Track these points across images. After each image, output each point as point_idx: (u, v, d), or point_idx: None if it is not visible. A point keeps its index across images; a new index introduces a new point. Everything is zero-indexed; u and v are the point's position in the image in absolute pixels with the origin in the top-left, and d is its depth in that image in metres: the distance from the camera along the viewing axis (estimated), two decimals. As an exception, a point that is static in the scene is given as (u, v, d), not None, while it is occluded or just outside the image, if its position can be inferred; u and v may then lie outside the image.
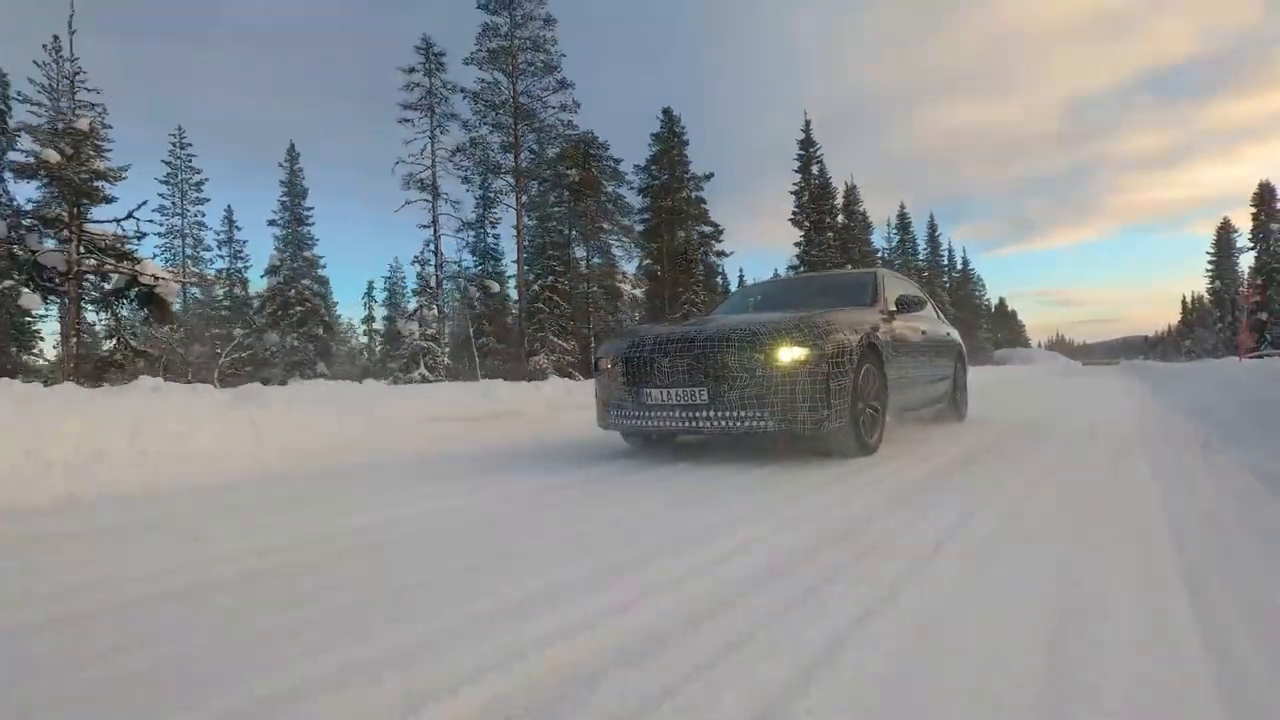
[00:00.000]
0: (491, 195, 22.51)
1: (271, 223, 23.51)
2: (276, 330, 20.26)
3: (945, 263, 51.39)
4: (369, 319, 37.96)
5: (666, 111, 24.40)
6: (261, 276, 21.32)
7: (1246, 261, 42.06)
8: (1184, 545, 1.87)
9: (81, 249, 10.84)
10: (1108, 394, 9.70)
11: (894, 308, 4.45)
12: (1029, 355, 55.42)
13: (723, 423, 3.43)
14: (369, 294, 37.84)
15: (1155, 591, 1.52)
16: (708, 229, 25.76)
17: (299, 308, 20.35)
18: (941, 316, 5.97)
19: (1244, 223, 41.70)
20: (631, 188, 23.93)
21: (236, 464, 3.78)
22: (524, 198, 20.98)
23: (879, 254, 38.36)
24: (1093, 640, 1.25)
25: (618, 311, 23.58)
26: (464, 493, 2.95)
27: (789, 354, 3.36)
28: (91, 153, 11.53)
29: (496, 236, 25.28)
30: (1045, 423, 5.49)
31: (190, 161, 26.49)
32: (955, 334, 5.98)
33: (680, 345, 3.60)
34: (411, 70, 19.62)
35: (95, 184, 11.38)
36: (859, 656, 1.19)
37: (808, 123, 29.31)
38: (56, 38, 18.14)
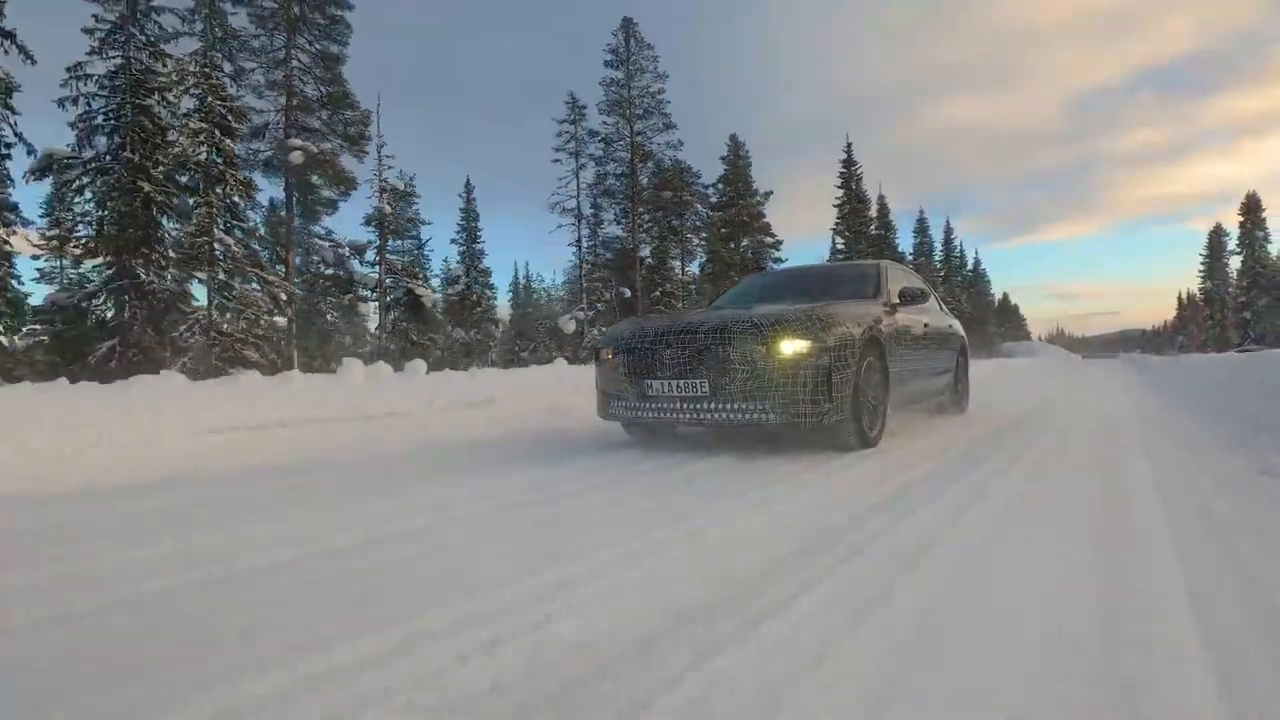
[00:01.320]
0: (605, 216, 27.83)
1: (453, 241, 28.65)
2: (462, 327, 24.88)
3: (959, 263, 54.38)
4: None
5: (733, 138, 28.95)
6: (444, 284, 26.74)
7: (1235, 265, 47.10)
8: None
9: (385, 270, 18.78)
10: (1109, 374, 15.23)
11: (897, 300, 4.42)
12: (1032, 349, 59.33)
13: (724, 415, 3.42)
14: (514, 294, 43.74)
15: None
16: (769, 240, 29.09)
17: (476, 309, 25.51)
18: (945, 309, 5.93)
19: (1236, 223, 46.25)
20: (708, 198, 28.41)
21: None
22: (633, 217, 26.16)
23: (905, 258, 41.48)
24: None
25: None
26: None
27: (791, 346, 3.34)
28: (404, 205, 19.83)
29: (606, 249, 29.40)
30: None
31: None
32: (958, 326, 5.95)
33: (682, 336, 3.57)
34: (562, 121, 25.75)
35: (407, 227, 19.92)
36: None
37: (849, 145, 34.18)
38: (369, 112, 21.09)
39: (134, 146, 14.55)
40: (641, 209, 26.39)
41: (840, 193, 34.11)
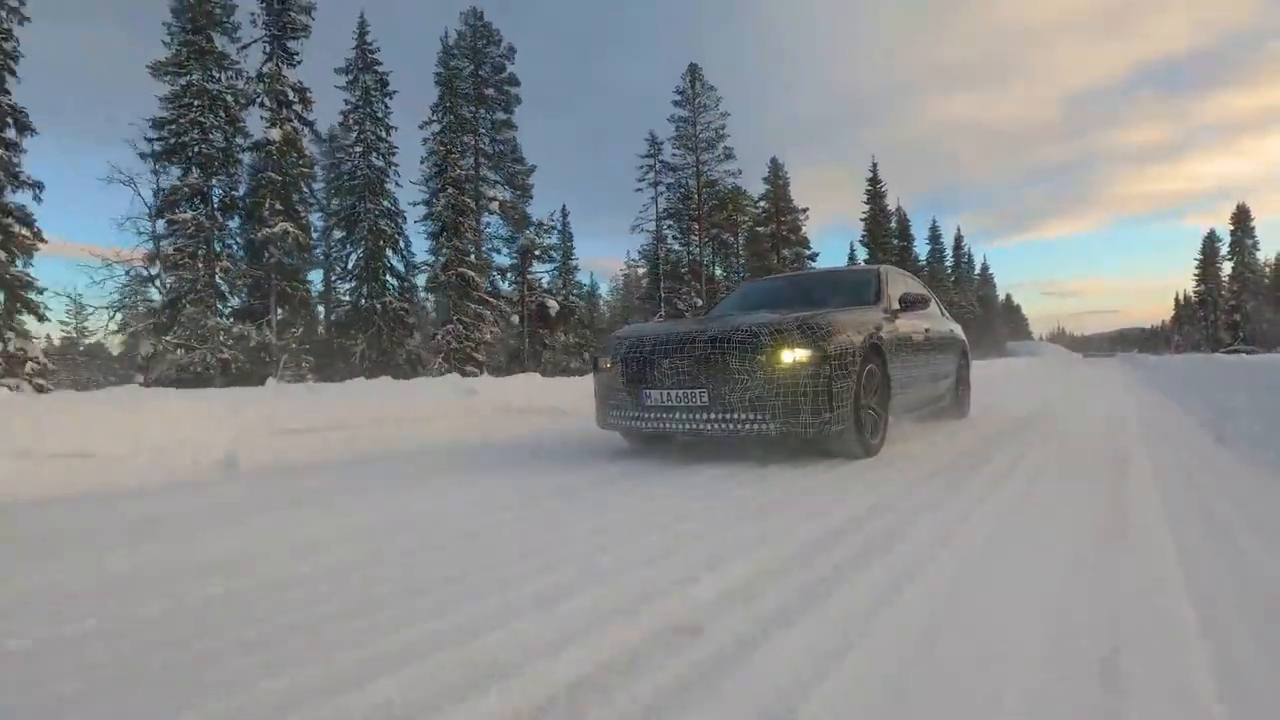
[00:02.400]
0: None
1: (539, 257, 30.78)
2: (563, 332, 27.07)
3: (969, 267, 58.98)
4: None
5: (774, 160, 32.82)
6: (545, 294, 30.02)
7: (1227, 269, 51.26)
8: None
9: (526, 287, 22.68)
10: (1110, 371, 19.32)
11: (898, 306, 4.37)
12: (1035, 349, 63.37)
13: (723, 425, 3.37)
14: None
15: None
16: (806, 252, 31.97)
17: (574, 317, 27.65)
18: (945, 313, 5.88)
19: (1229, 229, 50.97)
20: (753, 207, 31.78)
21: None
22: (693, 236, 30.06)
23: (923, 267, 45.34)
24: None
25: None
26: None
27: (791, 355, 3.29)
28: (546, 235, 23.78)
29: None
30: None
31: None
32: (959, 330, 5.90)
33: (680, 345, 3.52)
34: (644, 155, 29.48)
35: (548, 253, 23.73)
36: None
37: (875, 165, 39.56)
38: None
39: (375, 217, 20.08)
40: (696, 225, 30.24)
41: (867, 208, 39.30)
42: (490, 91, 22.73)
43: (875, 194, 39.31)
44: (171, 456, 3.68)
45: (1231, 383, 7.40)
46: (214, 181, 17.05)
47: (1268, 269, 52.25)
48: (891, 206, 41.29)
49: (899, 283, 4.85)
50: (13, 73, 13.94)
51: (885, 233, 39.19)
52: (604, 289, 47.73)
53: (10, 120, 13.88)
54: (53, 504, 2.93)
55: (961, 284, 52.32)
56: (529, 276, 23.70)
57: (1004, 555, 1.84)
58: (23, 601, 1.65)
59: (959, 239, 56.06)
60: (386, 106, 20.73)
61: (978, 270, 62.49)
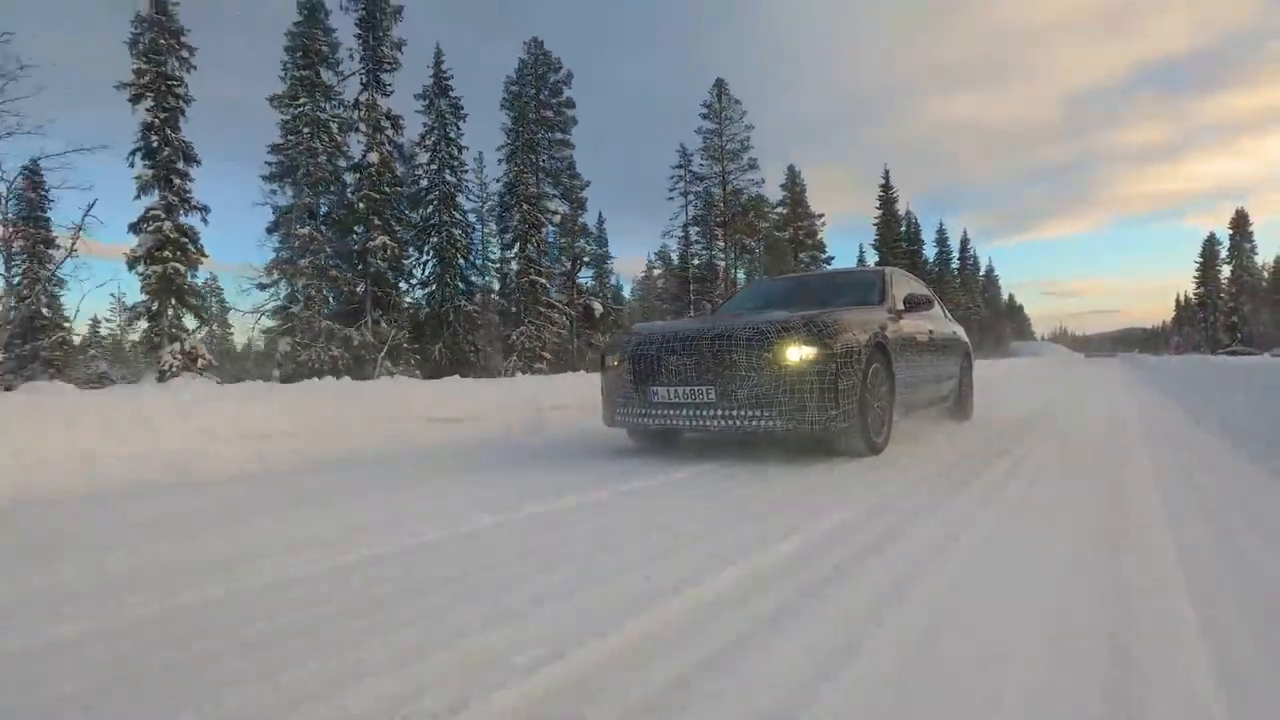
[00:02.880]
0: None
1: (587, 263, 32.53)
2: (602, 332, 28.47)
3: (974, 269, 60.72)
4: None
5: (790, 168, 34.73)
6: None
7: (1226, 272, 53.92)
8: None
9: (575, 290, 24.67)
10: (1112, 369, 22.47)
11: (902, 307, 4.41)
12: (1039, 348, 65.81)
13: (730, 421, 3.41)
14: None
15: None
16: (821, 256, 33.76)
17: (610, 318, 28.98)
18: (949, 315, 5.92)
19: (1228, 234, 53.71)
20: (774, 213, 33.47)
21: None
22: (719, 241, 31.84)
23: (932, 270, 46.64)
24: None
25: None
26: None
27: (798, 353, 3.33)
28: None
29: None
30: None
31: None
32: (961, 332, 5.94)
33: (688, 343, 3.56)
34: (675, 167, 31.42)
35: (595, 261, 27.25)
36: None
37: (887, 172, 41.53)
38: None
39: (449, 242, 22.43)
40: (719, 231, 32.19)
41: (879, 212, 41.44)
42: (549, 114, 24.96)
43: (887, 200, 41.26)
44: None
45: (1229, 383, 7.98)
46: (321, 199, 19.56)
47: (1266, 272, 54.10)
48: (901, 210, 42.98)
49: (903, 284, 4.89)
50: (184, 114, 16.76)
51: (897, 237, 40.96)
52: (627, 290, 49.19)
53: (181, 154, 16.50)
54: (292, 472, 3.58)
55: (968, 286, 53.92)
56: (576, 281, 26.12)
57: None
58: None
59: (965, 242, 57.56)
60: (459, 129, 23.08)
61: (982, 272, 64.55)
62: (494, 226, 26.99)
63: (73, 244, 13.69)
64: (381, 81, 20.23)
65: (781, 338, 3.37)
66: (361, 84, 20.08)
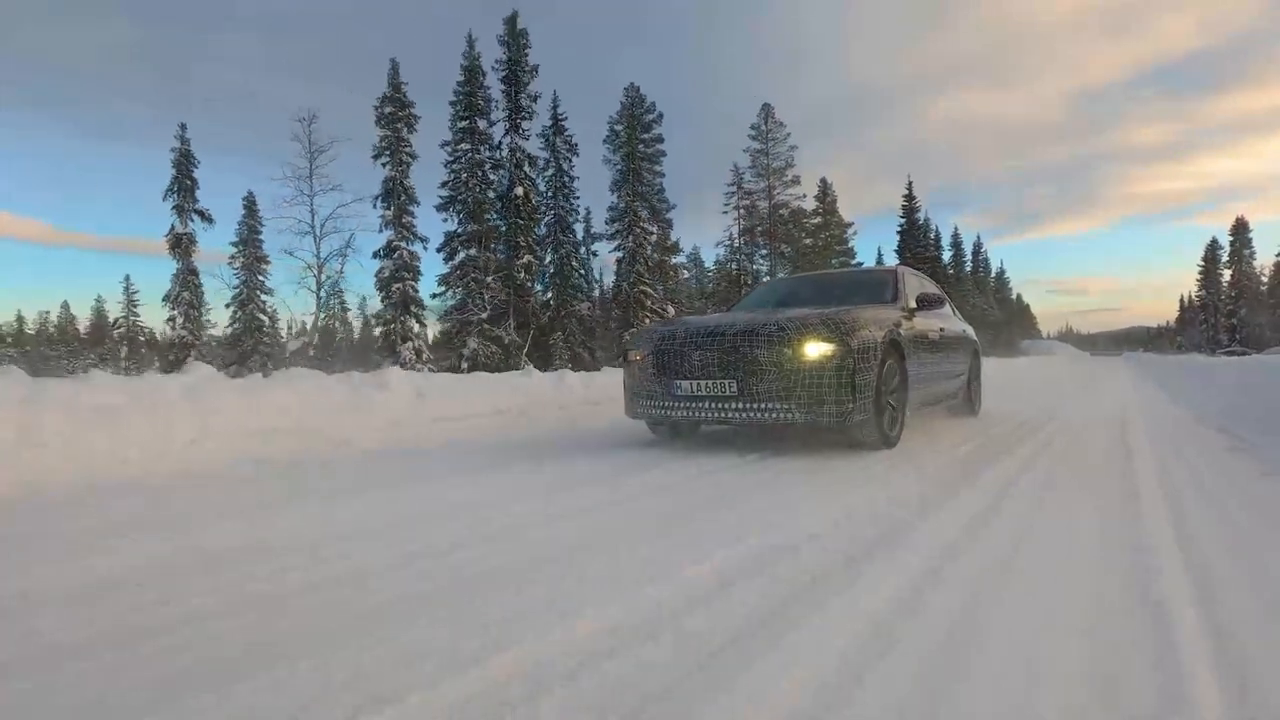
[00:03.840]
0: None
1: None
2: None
3: (986, 271, 63.46)
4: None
5: (823, 180, 37.38)
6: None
7: (1228, 275, 56.12)
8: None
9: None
10: (1117, 366, 25.40)
11: (914, 305, 4.55)
12: (1048, 347, 68.20)
13: (751, 414, 3.56)
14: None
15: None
16: (851, 262, 36.20)
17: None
18: (958, 314, 6.05)
19: (1228, 240, 56.29)
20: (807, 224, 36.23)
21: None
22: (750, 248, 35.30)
23: (948, 272, 48.41)
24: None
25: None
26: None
27: (816, 349, 3.47)
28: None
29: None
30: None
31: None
32: (971, 331, 6.07)
33: (711, 339, 3.71)
34: (730, 185, 34.70)
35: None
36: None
37: (910, 183, 45.15)
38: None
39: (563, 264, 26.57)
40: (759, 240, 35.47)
41: (902, 220, 44.90)
42: (642, 147, 28.82)
43: (909, 209, 44.90)
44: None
45: (1227, 383, 9.05)
46: (477, 225, 23.95)
47: (1264, 275, 56.14)
48: (919, 219, 45.85)
49: (915, 283, 5.03)
50: (408, 164, 22.75)
51: (919, 244, 44.24)
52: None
53: (405, 195, 22.61)
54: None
55: (981, 288, 56.84)
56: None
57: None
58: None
59: (978, 244, 61.24)
60: (571, 161, 27.27)
61: (994, 273, 67.57)
62: (596, 246, 31.12)
63: (341, 266, 23.52)
64: (520, 128, 24.84)
65: (802, 334, 3.51)
66: (505, 129, 24.89)
